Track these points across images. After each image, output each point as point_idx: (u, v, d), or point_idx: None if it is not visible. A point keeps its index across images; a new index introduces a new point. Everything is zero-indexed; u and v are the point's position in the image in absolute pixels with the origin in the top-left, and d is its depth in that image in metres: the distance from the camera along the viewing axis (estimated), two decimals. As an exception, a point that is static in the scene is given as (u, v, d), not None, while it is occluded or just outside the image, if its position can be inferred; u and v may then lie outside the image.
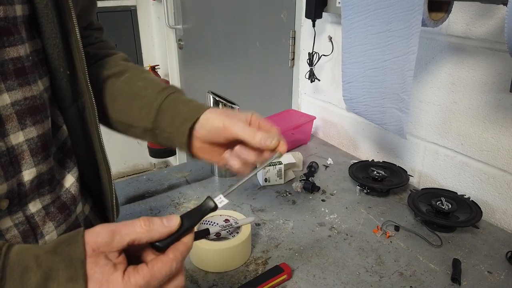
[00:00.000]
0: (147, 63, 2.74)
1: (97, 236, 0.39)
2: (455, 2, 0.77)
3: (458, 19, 0.88)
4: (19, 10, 0.45)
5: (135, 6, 2.62)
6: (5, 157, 0.45)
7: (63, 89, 0.53)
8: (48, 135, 0.51)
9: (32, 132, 0.48)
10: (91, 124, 0.57)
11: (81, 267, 0.37)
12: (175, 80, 2.49)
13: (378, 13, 0.81)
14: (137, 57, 2.74)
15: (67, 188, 0.55)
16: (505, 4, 0.59)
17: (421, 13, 0.73)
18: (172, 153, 2.81)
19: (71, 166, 0.57)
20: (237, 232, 0.76)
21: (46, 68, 0.51)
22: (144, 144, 2.84)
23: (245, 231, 0.77)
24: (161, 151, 2.77)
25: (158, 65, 2.67)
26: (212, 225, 0.77)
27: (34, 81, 0.48)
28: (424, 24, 0.74)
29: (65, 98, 0.54)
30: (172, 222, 0.42)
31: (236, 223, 0.78)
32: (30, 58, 0.47)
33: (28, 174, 0.48)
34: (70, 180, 0.56)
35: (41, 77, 0.50)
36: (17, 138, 0.46)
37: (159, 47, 2.77)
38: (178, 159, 2.77)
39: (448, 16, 0.77)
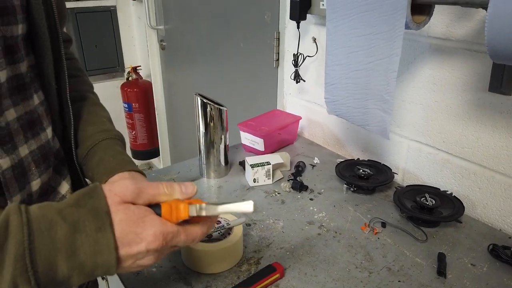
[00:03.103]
0: (128, 64, 2.71)
1: (127, 189, 0.41)
2: (436, 5, 0.80)
3: (439, 21, 0.91)
4: (20, 29, 0.48)
5: (114, 6, 2.59)
6: (17, 169, 0.47)
7: (52, 103, 0.56)
8: (47, 146, 0.53)
9: (33, 144, 0.50)
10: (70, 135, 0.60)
11: (107, 217, 0.39)
12: (157, 81, 2.47)
13: (362, 16, 0.83)
14: (118, 58, 2.70)
15: (63, 195, 0.56)
16: (485, 8, 0.62)
17: (405, 16, 0.75)
18: (155, 154, 2.79)
19: (65, 173, 0.58)
20: (229, 233, 0.77)
21: (40, 84, 0.54)
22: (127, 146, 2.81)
23: (237, 232, 0.77)
24: (143, 152, 2.74)
25: (140, 66, 2.64)
26: (204, 226, 0.78)
27: (31, 96, 0.51)
28: (407, 27, 0.77)
29: (53, 111, 0.56)
30: (189, 190, 0.46)
31: (227, 224, 0.78)
32: (28, 74, 0.50)
33: (35, 185, 0.50)
34: (65, 187, 0.57)
35: (36, 91, 0.53)
36: (24, 150, 0.49)
37: (140, 48, 2.74)
38: (162, 161, 2.75)
39: (429, 19, 0.80)
